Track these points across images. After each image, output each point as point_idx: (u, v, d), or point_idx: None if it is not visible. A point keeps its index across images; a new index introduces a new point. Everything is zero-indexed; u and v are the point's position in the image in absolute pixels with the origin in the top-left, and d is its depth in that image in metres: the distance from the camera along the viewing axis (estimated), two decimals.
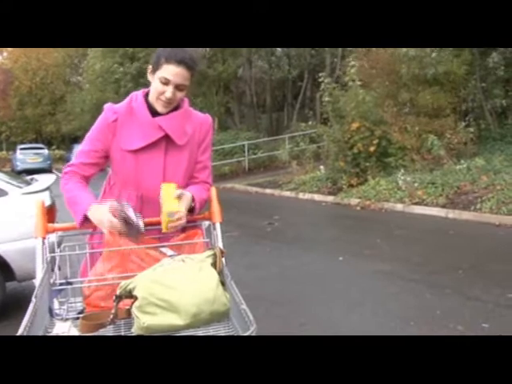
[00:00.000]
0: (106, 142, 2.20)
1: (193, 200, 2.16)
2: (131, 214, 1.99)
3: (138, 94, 2.25)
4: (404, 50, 12.91)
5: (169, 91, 2.12)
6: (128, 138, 2.16)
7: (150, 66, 2.19)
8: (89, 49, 29.23)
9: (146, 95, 2.23)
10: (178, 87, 2.13)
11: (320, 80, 14.03)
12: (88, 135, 2.26)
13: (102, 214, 2.02)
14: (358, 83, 13.18)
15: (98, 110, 2.36)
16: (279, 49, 25.84)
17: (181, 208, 2.04)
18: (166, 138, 2.20)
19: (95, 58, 27.77)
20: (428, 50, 12.60)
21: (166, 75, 2.10)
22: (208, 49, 23.50)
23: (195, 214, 2.20)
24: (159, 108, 2.18)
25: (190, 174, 2.29)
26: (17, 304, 5.09)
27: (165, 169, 2.20)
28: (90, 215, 2.06)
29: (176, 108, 2.23)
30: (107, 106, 2.27)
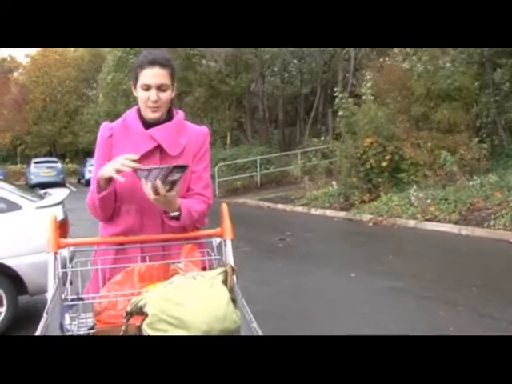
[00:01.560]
0: (110, 158, 2.21)
1: (179, 209, 2.13)
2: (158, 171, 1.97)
3: (131, 110, 2.29)
4: (413, 63, 12.92)
5: (153, 94, 2.15)
6: (122, 152, 2.17)
7: (132, 83, 2.25)
8: (102, 63, 29.58)
9: (140, 110, 2.27)
10: (159, 88, 2.15)
11: (335, 95, 14.10)
12: (95, 158, 2.29)
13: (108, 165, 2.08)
14: (372, 98, 13.22)
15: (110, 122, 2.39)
16: (292, 64, 25.97)
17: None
18: (160, 150, 2.20)
19: (107, 73, 28.08)
20: (441, 61, 12.58)
21: (144, 81, 2.15)
22: (221, 64, 23.68)
23: (181, 222, 2.16)
24: (149, 115, 2.20)
25: (187, 185, 2.26)
26: (29, 318, 5.10)
27: None
28: (99, 172, 2.10)
29: (169, 119, 2.25)
30: (103, 124, 2.32)
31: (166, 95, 2.18)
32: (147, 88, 2.15)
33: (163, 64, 2.15)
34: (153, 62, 2.13)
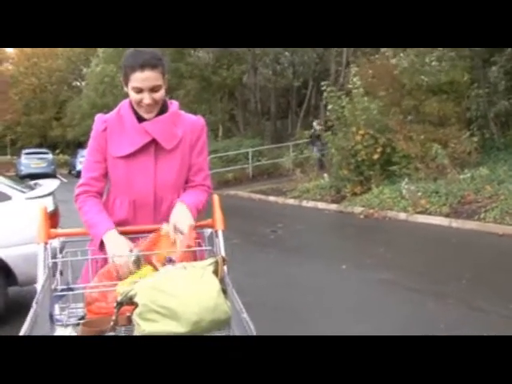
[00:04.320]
0: (103, 151, 2.20)
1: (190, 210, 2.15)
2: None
3: (126, 102, 2.25)
4: (399, 58, 12.90)
5: (146, 98, 2.11)
6: (117, 145, 2.17)
7: (122, 80, 2.20)
8: (92, 55, 29.39)
9: None
10: (152, 90, 2.11)
11: (323, 89, 14.07)
12: (87, 149, 2.27)
13: (116, 246, 2.04)
14: (361, 90, 13.18)
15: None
16: (283, 56, 25.93)
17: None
18: (155, 143, 2.18)
19: (95, 65, 27.89)
20: (427, 59, 12.56)
21: (136, 84, 2.09)
22: (212, 55, 23.61)
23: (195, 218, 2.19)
24: (144, 114, 2.17)
25: (184, 177, 2.27)
26: (19, 309, 5.07)
27: (155, 173, 2.19)
28: (105, 240, 2.06)
29: (163, 111, 2.22)
30: (97, 116, 2.28)
31: (160, 94, 2.14)
32: (139, 91, 2.10)
33: (153, 65, 2.09)
34: (143, 65, 2.06)
